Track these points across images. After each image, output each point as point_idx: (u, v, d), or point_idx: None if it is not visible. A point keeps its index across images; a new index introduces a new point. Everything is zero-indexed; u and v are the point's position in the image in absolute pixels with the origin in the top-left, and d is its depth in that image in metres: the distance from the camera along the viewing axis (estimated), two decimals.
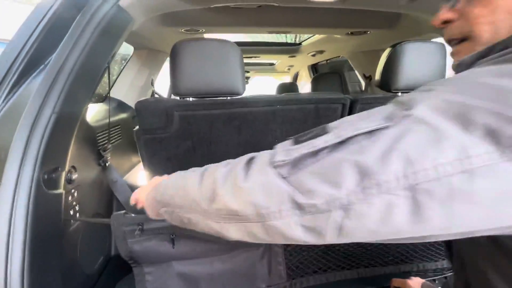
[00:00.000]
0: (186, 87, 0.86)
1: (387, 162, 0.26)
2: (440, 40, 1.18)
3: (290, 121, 0.96)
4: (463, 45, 0.41)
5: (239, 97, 0.91)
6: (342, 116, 1.00)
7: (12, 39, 0.64)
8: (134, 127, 1.46)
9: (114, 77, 1.49)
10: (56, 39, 0.65)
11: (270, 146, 1.08)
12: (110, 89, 1.17)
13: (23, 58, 0.62)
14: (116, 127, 1.22)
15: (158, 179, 0.59)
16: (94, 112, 1.11)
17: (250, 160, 0.37)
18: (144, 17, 0.84)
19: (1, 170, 0.49)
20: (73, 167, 0.77)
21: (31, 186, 0.49)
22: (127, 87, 1.46)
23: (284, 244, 0.84)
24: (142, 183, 1.35)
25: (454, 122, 0.25)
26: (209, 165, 0.43)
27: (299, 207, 0.30)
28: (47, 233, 0.55)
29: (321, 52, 2.37)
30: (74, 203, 0.78)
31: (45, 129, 0.53)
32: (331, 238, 0.30)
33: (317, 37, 2.05)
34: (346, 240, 0.30)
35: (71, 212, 0.75)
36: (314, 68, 2.98)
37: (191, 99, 0.90)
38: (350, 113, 0.99)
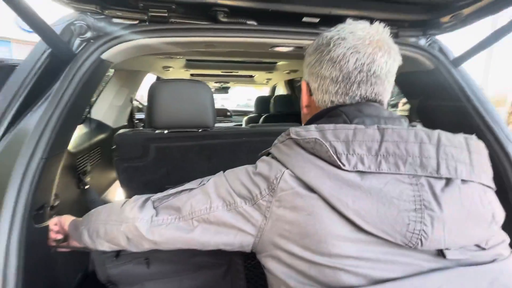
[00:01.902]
0: (162, 121, 0.97)
1: (185, 205, 0.55)
2: None
3: (255, 151, 1.09)
4: None
5: (209, 130, 1.03)
6: None
7: (8, 83, 0.73)
8: (113, 146, 1.54)
9: (94, 98, 1.55)
10: (46, 85, 0.74)
11: None
12: (89, 112, 1.25)
13: (18, 100, 0.71)
14: (96, 149, 1.30)
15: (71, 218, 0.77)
16: (75, 137, 1.18)
17: (150, 196, 0.65)
18: (123, 59, 0.94)
19: None
20: (56, 194, 0.85)
21: (22, 225, 0.58)
22: (106, 107, 1.54)
23: (244, 261, 0.97)
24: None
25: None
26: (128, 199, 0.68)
27: (152, 220, 0.57)
28: (37, 261, 0.64)
29: (294, 71, 2.54)
30: None
31: (35, 174, 0.62)
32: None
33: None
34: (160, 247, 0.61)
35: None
36: (290, 83, 3.16)
37: (166, 131, 1.01)
38: None
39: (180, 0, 0.83)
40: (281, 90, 3.55)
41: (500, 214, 0.46)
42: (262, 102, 3.15)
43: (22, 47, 11.77)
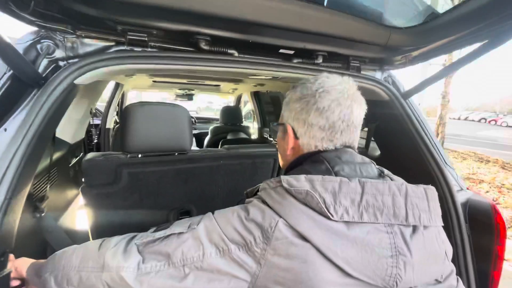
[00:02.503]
0: (136, 145, 0.93)
1: (176, 252, 0.52)
2: None
3: (231, 173, 1.12)
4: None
5: (186, 153, 1.02)
6: (274, 168, 1.20)
7: None
8: (71, 163, 1.40)
9: None
10: (6, 112, 0.66)
11: (213, 194, 1.28)
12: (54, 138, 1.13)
13: None
14: (53, 170, 1.17)
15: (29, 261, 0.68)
16: None
17: (131, 239, 0.59)
18: (95, 81, 0.88)
19: None
20: None
21: None
22: (63, 122, 1.39)
23: None
24: (80, 226, 1.31)
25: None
26: (105, 239, 0.62)
27: (139, 268, 0.53)
28: None
29: (261, 84, 2.62)
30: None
31: None
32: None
33: None
34: None
35: None
36: (256, 94, 3.23)
37: (140, 155, 0.97)
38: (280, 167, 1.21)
39: (161, 26, 0.82)
40: (247, 101, 3.61)
41: (450, 250, 0.56)
42: (228, 112, 3.17)
43: None
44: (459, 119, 28.17)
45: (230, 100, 4.58)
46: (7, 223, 0.59)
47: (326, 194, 0.48)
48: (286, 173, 0.63)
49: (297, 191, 0.49)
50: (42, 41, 0.74)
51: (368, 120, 1.47)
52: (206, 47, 0.90)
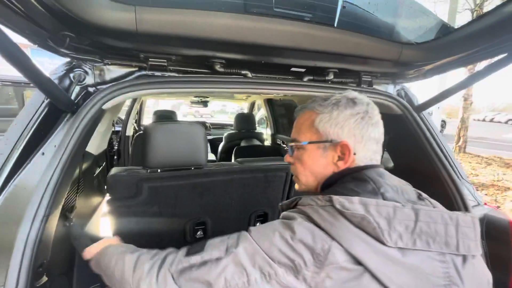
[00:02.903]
0: (155, 161, 1.00)
1: (218, 281, 0.50)
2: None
3: (244, 186, 1.16)
4: (296, 179, 0.71)
5: (202, 168, 1.08)
6: (286, 181, 1.24)
7: (7, 135, 0.72)
8: (95, 173, 1.50)
9: None
10: (44, 135, 0.74)
11: (227, 206, 1.33)
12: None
13: (16, 152, 0.71)
14: (80, 181, 1.27)
15: (107, 240, 0.80)
16: None
17: (162, 262, 0.58)
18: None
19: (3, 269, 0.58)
20: None
21: (25, 285, 0.59)
22: None
23: None
24: (104, 233, 1.40)
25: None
26: (142, 253, 0.63)
27: None
28: None
29: None
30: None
31: (37, 233, 0.63)
32: None
33: None
34: None
35: None
36: (269, 101, 3.28)
37: (159, 170, 1.04)
38: (292, 179, 1.24)
39: (179, 52, 0.88)
40: (261, 107, 3.65)
41: (491, 278, 0.55)
42: (242, 119, 3.23)
43: None
44: (483, 120, 26.79)
45: (244, 105, 4.65)
46: (44, 237, 0.66)
47: (381, 219, 0.48)
48: (323, 190, 0.63)
49: (351, 215, 0.48)
50: (74, 70, 0.83)
51: None
52: (221, 69, 0.95)
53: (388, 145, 1.47)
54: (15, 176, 0.69)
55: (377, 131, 0.61)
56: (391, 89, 1.31)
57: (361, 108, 0.61)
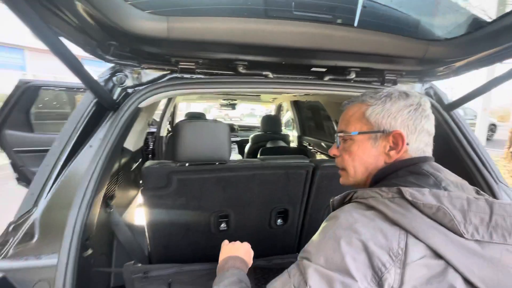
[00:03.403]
0: (184, 155, 1.09)
1: None
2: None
3: (265, 182, 1.21)
4: (342, 172, 0.69)
5: (225, 163, 1.15)
6: (306, 179, 1.26)
7: (63, 129, 0.86)
8: (132, 168, 1.66)
9: None
10: (92, 129, 0.87)
11: (249, 201, 1.40)
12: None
13: (71, 143, 0.84)
14: (120, 174, 1.42)
15: (235, 249, 0.76)
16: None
17: None
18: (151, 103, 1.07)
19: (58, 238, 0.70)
20: None
21: (75, 256, 0.70)
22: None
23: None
24: (138, 221, 1.54)
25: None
26: None
27: None
28: (82, 279, 0.75)
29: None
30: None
31: (85, 211, 0.74)
32: None
33: None
34: None
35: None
36: (295, 103, 3.29)
37: (187, 164, 1.13)
38: (313, 177, 1.25)
39: (206, 56, 0.97)
40: (287, 109, 3.68)
41: None
42: (268, 121, 3.28)
43: (35, 55, 12.17)
44: None
45: (272, 107, 4.70)
46: (91, 215, 0.77)
47: (455, 211, 0.46)
48: (376, 183, 0.60)
49: (426, 205, 0.46)
50: (116, 74, 0.95)
51: None
52: (244, 71, 1.01)
53: None
54: (68, 165, 0.82)
55: (430, 124, 0.61)
56: (418, 87, 1.27)
57: (414, 100, 0.61)
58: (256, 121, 7.91)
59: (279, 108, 4.05)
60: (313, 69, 1.11)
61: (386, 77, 1.17)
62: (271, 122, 3.26)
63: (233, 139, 4.01)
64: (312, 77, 1.13)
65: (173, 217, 1.19)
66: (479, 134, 5.57)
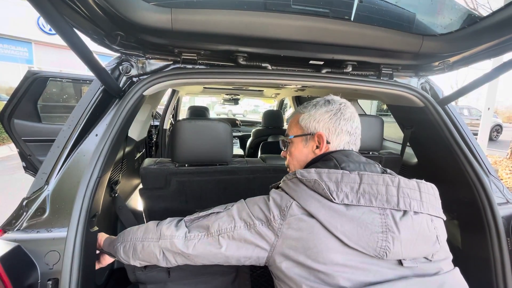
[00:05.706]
0: (183, 157, 1.13)
1: (213, 225, 0.70)
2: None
3: (266, 184, 1.25)
4: (288, 170, 0.87)
5: (226, 165, 1.19)
6: None
7: (72, 114, 0.92)
8: (136, 156, 1.72)
9: None
10: (99, 115, 0.92)
11: None
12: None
13: (79, 128, 0.90)
14: (124, 161, 1.48)
15: (105, 235, 0.92)
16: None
17: (180, 219, 0.80)
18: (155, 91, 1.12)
19: (67, 214, 0.75)
20: None
21: (83, 229, 0.75)
22: (132, 123, 1.72)
23: (251, 270, 1.11)
24: (140, 208, 1.60)
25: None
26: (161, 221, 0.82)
27: (186, 237, 0.72)
28: (89, 254, 0.81)
29: (302, 90, 2.71)
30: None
31: (92, 189, 0.79)
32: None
33: None
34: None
35: None
36: (297, 98, 3.32)
37: (186, 165, 1.18)
38: None
39: (207, 48, 1.01)
40: (289, 105, 3.71)
41: (443, 237, 0.65)
42: (270, 116, 3.32)
43: (42, 48, 12.31)
44: None
45: (275, 104, 4.73)
46: (97, 194, 0.83)
47: (331, 183, 0.62)
48: None
49: (307, 180, 0.64)
50: (122, 63, 1.00)
51: (403, 126, 1.46)
52: (243, 62, 1.06)
53: (411, 139, 1.45)
54: (77, 146, 0.87)
55: (350, 125, 0.76)
56: (414, 82, 1.30)
57: (334, 106, 0.77)
58: (259, 117, 7.95)
59: (281, 104, 4.08)
60: (311, 62, 1.15)
61: (383, 71, 1.20)
62: (273, 117, 3.30)
63: (235, 134, 4.06)
64: (310, 69, 1.16)
65: (171, 216, 1.24)
66: (482, 132, 5.56)
